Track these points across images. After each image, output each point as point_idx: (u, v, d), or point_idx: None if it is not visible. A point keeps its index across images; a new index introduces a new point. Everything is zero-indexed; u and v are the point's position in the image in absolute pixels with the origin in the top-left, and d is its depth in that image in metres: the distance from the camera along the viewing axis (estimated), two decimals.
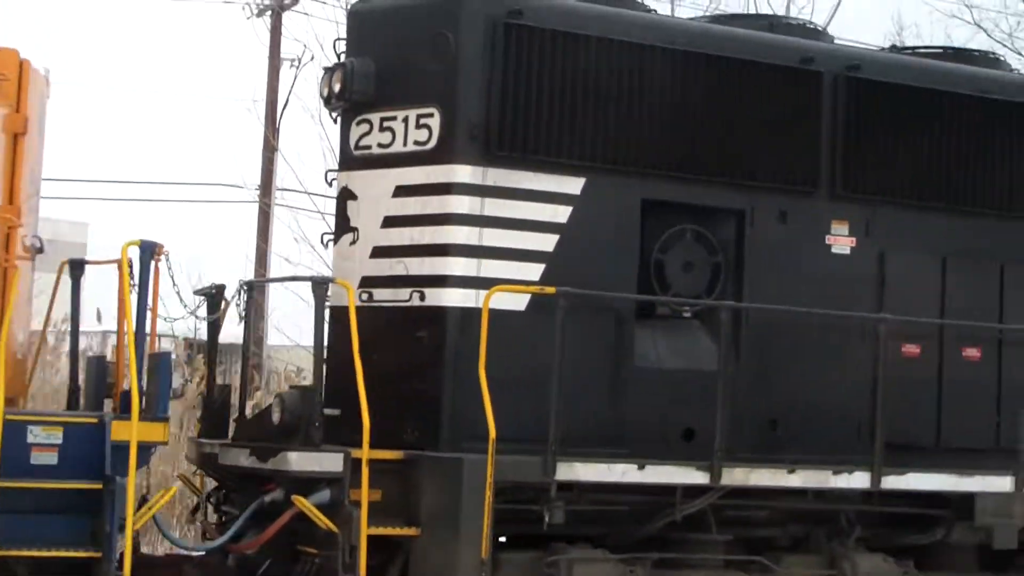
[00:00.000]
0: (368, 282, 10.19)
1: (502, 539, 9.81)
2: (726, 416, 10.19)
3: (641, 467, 9.77)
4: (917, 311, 11.18)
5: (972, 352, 11.42)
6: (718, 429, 10.05)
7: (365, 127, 10.35)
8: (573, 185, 10.17)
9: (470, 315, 9.68)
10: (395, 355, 9.94)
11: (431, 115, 9.98)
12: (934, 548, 11.12)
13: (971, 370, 11.40)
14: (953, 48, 12.31)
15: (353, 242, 10.33)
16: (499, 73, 9.89)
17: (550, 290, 9.58)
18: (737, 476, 10.04)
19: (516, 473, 9.43)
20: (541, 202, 10.05)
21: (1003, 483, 10.93)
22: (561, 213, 10.11)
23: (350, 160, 10.45)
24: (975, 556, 11.28)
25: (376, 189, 10.24)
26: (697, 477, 9.92)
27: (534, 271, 9.99)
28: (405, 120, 10.11)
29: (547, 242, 10.05)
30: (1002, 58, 12.34)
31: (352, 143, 10.42)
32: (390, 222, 10.14)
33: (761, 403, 10.67)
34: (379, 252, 10.18)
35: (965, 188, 11.49)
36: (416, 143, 10.05)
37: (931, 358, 11.27)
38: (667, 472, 9.86)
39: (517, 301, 9.78)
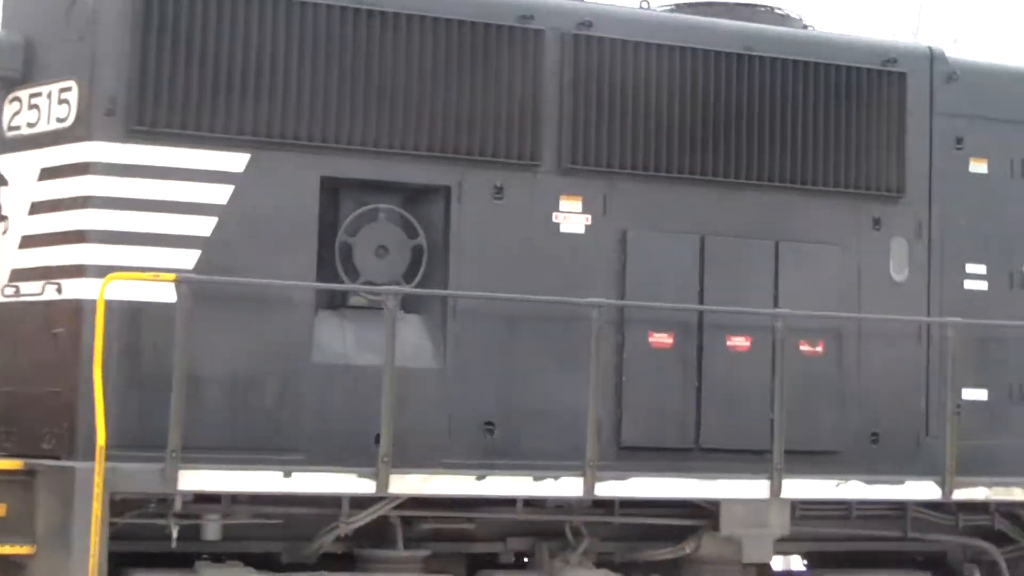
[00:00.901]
0: (17, 275, 9.24)
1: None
2: (422, 417, 9.20)
3: (287, 475, 8.67)
4: (668, 296, 9.97)
5: (740, 342, 10.20)
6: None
7: (16, 106, 9.38)
8: (235, 162, 9.07)
9: (112, 309, 8.70)
10: (34, 354, 8.99)
11: (70, 89, 8.99)
12: (688, 563, 9.92)
13: (740, 362, 10.20)
14: (725, 3, 11.03)
15: (4, 232, 9.42)
16: (140, 41, 8.85)
17: (168, 277, 8.56)
18: (411, 484, 8.87)
19: (132, 484, 8.39)
20: (195, 181, 8.98)
21: (757, 488, 9.69)
22: (220, 193, 9.03)
23: (4, 142, 9.52)
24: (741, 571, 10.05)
25: (24, 173, 9.26)
26: (360, 486, 8.78)
27: (187, 258, 8.93)
28: (49, 96, 9.16)
29: (203, 226, 8.97)
30: (791, 14, 11.06)
31: (5, 124, 9.50)
32: (36, 208, 9.15)
33: (474, 403, 9.55)
34: (27, 242, 9.19)
35: (730, 158, 10.24)
36: (58, 120, 9.05)
37: (687, 349, 10.08)
38: (320, 480, 8.74)
39: (164, 292, 8.77)
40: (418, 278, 9.53)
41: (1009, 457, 10.80)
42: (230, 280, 8.85)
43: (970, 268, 10.95)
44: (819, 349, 10.39)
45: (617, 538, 9.85)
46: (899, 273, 10.73)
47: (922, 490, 10.05)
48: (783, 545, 10.07)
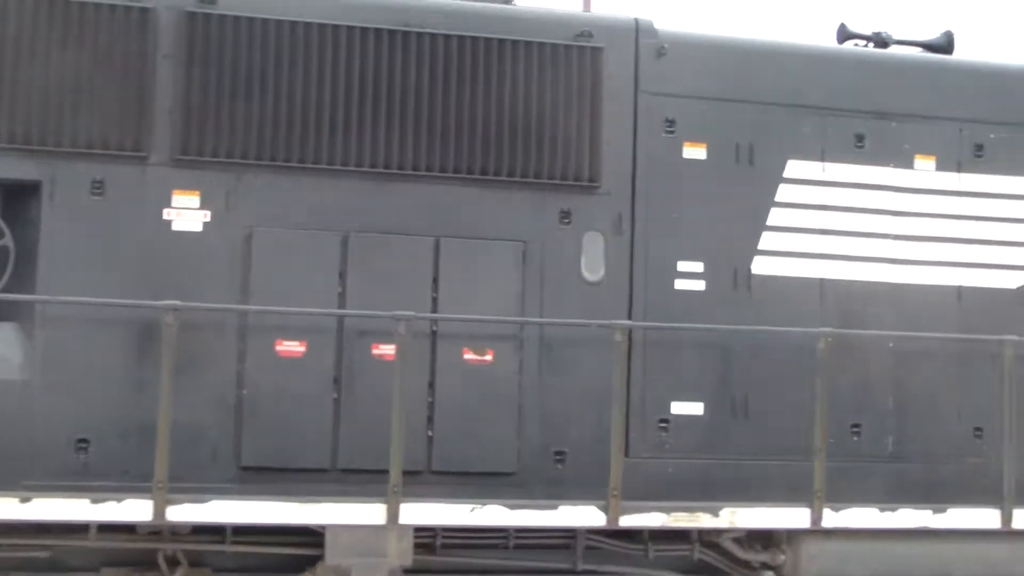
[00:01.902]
0: None
1: None
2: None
3: None
4: (302, 299, 8.98)
5: (388, 350, 9.09)
6: None
7: None
8: None
9: None
10: None
11: None
12: None
13: (388, 372, 9.03)
14: None
15: None
16: None
17: None
18: None
19: None
20: None
21: (371, 513, 8.61)
22: None
23: None
24: None
25: None
26: None
27: None
28: None
29: None
30: None
31: None
32: None
33: (65, 418, 8.67)
34: None
35: (380, 148, 9.19)
36: None
37: (323, 357, 9.06)
38: None
39: None
40: (3, 282, 8.71)
41: (725, 477, 9.61)
42: None
43: (683, 266, 9.76)
44: (488, 357, 9.31)
45: (236, 569, 8.92)
46: (593, 272, 9.59)
47: (580, 516, 8.89)
48: None
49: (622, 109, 9.69)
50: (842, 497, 9.52)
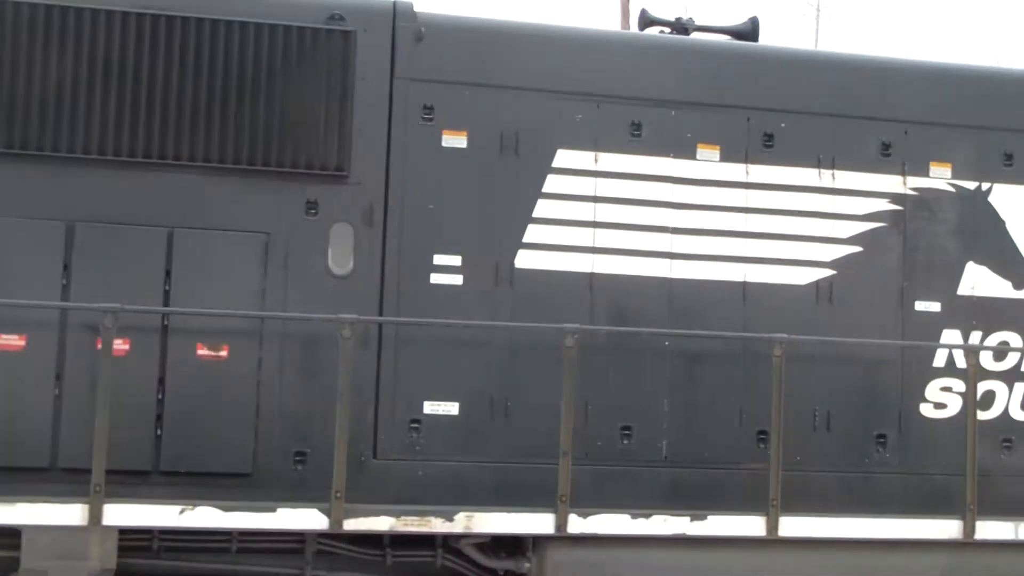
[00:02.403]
0: None
1: None
2: None
3: None
4: (20, 291, 8.57)
5: (119, 345, 8.73)
6: None
7: None
8: None
9: None
10: None
11: None
12: None
13: (119, 367, 8.61)
14: None
15: None
16: None
17: None
18: None
19: None
20: None
21: (69, 513, 8.20)
22: None
23: None
24: None
25: None
26: None
27: None
28: None
29: None
30: None
31: None
32: None
33: None
34: None
35: (108, 134, 8.81)
36: None
37: (46, 351, 8.67)
38: None
39: None
40: None
41: (482, 480, 9.18)
42: None
43: (439, 259, 9.34)
44: (223, 353, 8.93)
45: None
46: (341, 265, 9.18)
47: (302, 519, 8.47)
48: None
49: (376, 95, 9.27)
50: (605, 503, 9.11)
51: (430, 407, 9.21)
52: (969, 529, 9.39)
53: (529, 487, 9.07)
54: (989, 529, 9.45)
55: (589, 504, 9.03)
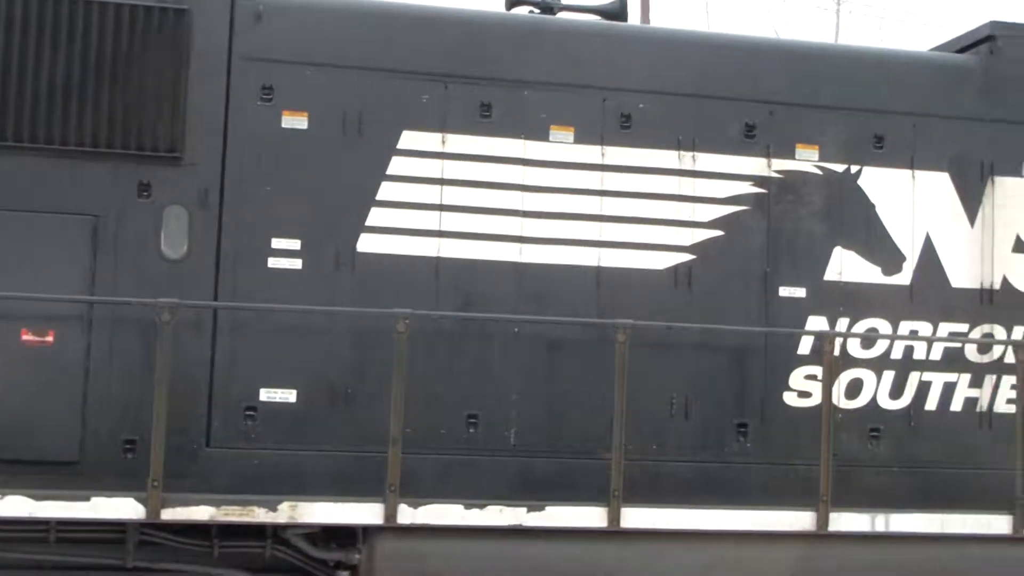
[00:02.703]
0: None
1: None
2: None
3: None
4: None
5: None
6: None
7: None
8: None
9: None
10: None
11: None
12: None
13: None
14: None
15: None
16: None
17: None
18: None
19: None
20: None
21: None
22: None
23: None
24: None
25: None
26: None
27: None
28: None
29: None
30: None
31: None
32: None
33: None
34: None
35: None
36: None
37: None
38: None
39: None
40: None
41: (320, 469, 8.95)
42: None
43: (278, 243, 9.11)
44: (49, 339, 8.74)
45: None
46: (174, 249, 8.96)
47: (115, 509, 8.24)
48: None
49: (213, 76, 9.04)
50: (449, 492, 8.88)
51: (266, 394, 8.99)
52: (823, 521, 9.13)
53: (369, 477, 8.84)
54: (844, 521, 9.19)
55: (433, 494, 8.84)
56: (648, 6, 26.35)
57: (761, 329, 9.58)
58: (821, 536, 9.16)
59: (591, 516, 8.82)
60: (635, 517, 8.87)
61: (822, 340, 9.30)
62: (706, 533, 9.02)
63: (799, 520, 9.13)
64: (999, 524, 9.43)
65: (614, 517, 8.81)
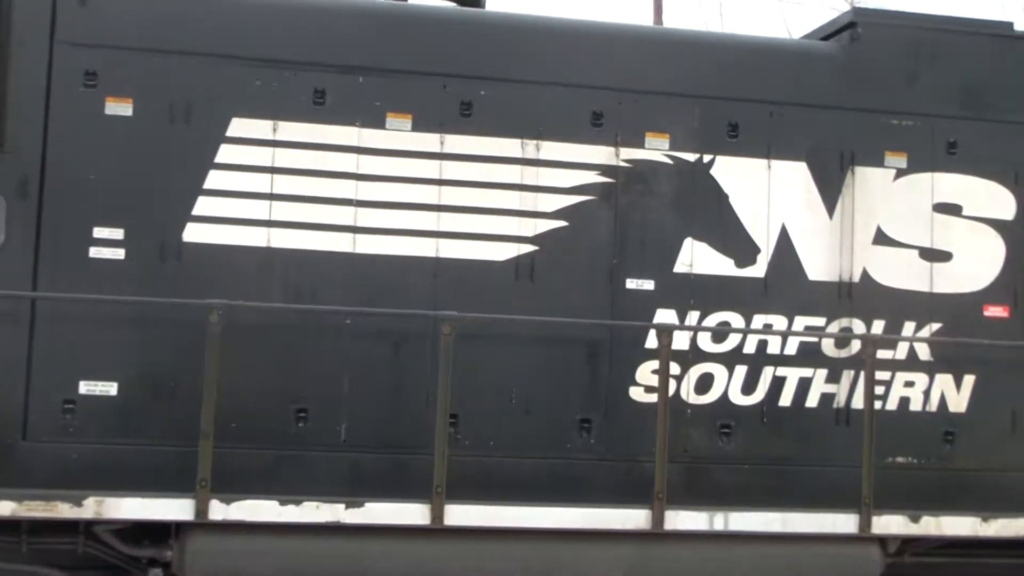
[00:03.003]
0: None
1: None
2: None
3: None
4: None
5: None
6: None
7: None
8: None
9: None
10: None
11: None
12: None
13: None
14: None
15: None
16: None
17: None
18: None
19: None
20: None
21: None
22: None
23: None
24: None
25: None
26: None
27: None
28: None
29: None
30: None
31: None
32: None
33: None
34: None
35: None
36: None
37: None
38: None
39: None
40: None
41: (143, 463, 8.74)
42: None
43: (100, 232, 8.89)
44: None
45: None
46: None
47: None
48: None
49: (34, 61, 8.82)
50: (276, 489, 8.67)
51: (86, 387, 8.78)
52: (658, 519, 8.88)
53: (192, 471, 8.64)
54: (681, 519, 8.94)
55: (261, 490, 8.63)
56: (661, 6, 26.09)
57: (592, 321, 9.28)
58: (657, 535, 8.93)
59: (413, 513, 8.60)
60: (459, 514, 8.63)
61: (659, 334, 9.06)
62: (538, 531, 8.80)
63: (632, 518, 8.88)
64: (845, 523, 9.18)
65: (437, 514, 8.59)
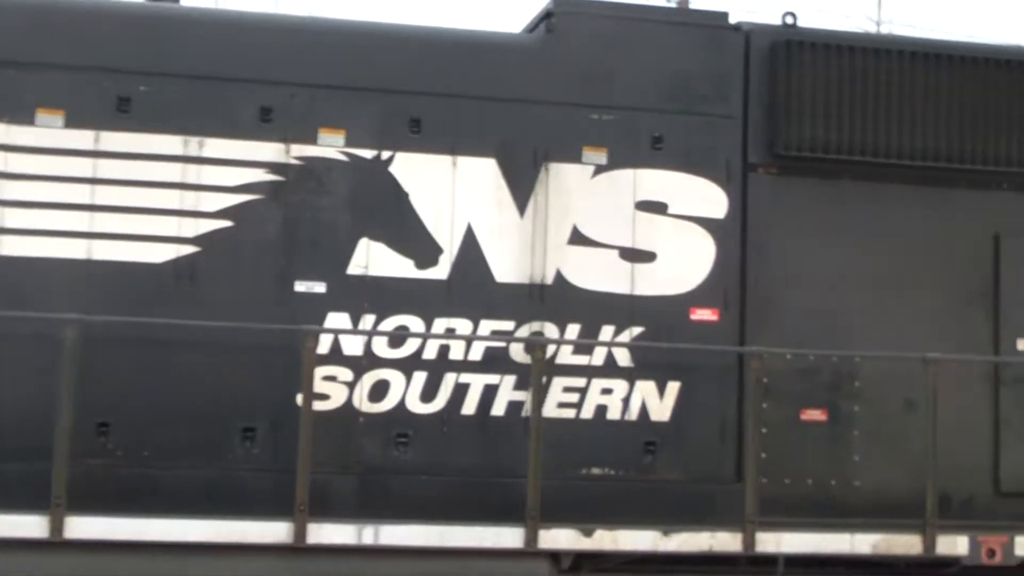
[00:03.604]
0: None
1: None
2: None
3: None
4: None
5: None
6: None
7: None
8: None
9: None
10: None
11: None
12: None
13: None
14: None
15: None
16: None
17: None
18: None
19: None
20: None
21: None
22: None
23: None
24: None
25: None
26: None
27: None
28: None
29: None
30: None
31: None
32: None
33: None
34: None
35: None
36: None
37: None
38: None
39: None
40: None
41: None
42: None
43: None
44: None
45: None
46: None
47: None
48: None
49: None
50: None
51: None
52: (300, 532, 8.44)
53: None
54: (326, 532, 8.50)
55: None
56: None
57: (221, 324, 8.82)
58: (302, 550, 8.49)
59: (31, 525, 8.19)
60: (81, 527, 8.24)
61: (302, 336, 8.62)
62: (174, 545, 8.39)
63: (272, 531, 8.45)
64: (511, 537, 8.71)
65: (56, 527, 8.20)
